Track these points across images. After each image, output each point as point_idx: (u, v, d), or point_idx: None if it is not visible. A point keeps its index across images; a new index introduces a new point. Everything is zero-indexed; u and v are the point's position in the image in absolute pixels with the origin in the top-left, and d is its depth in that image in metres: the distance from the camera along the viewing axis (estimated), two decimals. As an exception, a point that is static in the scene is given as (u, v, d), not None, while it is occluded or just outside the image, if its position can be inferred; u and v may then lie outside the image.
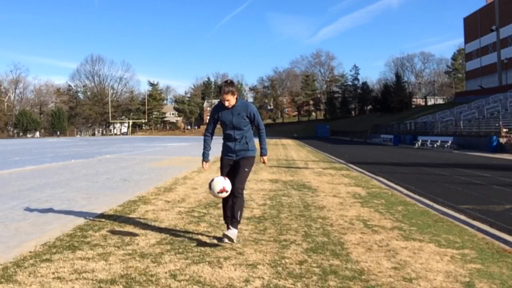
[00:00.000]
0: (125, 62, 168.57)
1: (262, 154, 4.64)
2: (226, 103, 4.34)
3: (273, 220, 5.53)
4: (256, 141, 4.44)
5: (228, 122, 4.40)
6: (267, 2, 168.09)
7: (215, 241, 4.46)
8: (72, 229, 4.98)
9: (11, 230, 5.01)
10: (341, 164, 15.47)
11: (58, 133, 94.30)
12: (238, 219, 4.33)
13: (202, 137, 4.81)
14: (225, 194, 4.21)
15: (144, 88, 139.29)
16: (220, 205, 6.50)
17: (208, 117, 4.67)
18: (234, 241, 4.25)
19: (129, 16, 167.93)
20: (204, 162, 4.63)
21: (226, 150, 4.49)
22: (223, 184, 4.18)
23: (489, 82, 57.51)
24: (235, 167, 4.42)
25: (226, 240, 4.27)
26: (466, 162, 17.13)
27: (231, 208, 4.33)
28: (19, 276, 3.39)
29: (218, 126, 4.59)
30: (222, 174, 4.44)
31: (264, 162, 4.72)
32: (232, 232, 4.25)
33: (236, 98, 4.39)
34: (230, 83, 4.41)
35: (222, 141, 4.55)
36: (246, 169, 4.41)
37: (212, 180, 4.25)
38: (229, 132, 4.43)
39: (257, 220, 5.52)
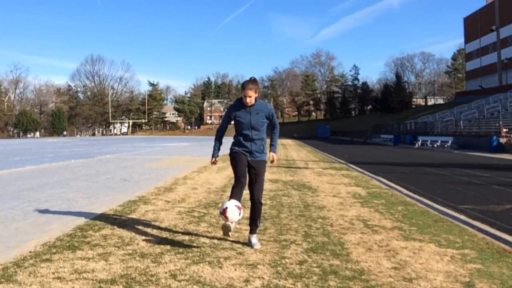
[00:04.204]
0: (125, 62, 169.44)
1: (272, 150, 4.45)
2: (248, 100, 4.20)
3: (273, 220, 5.53)
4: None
5: (246, 122, 4.26)
6: (268, 3, 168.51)
7: (215, 241, 4.47)
8: (72, 229, 4.98)
9: (11, 230, 5.01)
10: (341, 164, 15.46)
11: (65, 133, 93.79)
12: (258, 224, 4.38)
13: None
14: (227, 218, 3.95)
15: (144, 88, 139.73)
16: (221, 205, 6.51)
17: (223, 115, 4.55)
18: (259, 246, 4.25)
19: (129, 16, 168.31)
20: (212, 158, 4.52)
21: (240, 147, 4.33)
22: (227, 206, 3.96)
23: (489, 82, 57.49)
24: (250, 171, 4.30)
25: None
26: (466, 162, 17.13)
27: (251, 214, 4.34)
28: (19, 276, 3.39)
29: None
30: (238, 172, 4.22)
31: (272, 161, 4.45)
32: (254, 241, 4.30)
33: (256, 98, 4.28)
34: (254, 80, 4.29)
35: (230, 144, 4.44)
36: (263, 178, 4.36)
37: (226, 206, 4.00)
38: (246, 132, 4.28)
39: (257, 220, 5.51)
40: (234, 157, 4.33)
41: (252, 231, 4.35)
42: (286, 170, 12.55)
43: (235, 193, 4.14)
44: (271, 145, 4.49)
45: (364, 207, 6.54)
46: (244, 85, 4.22)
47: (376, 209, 6.33)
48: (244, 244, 4.34)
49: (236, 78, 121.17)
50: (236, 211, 3.96)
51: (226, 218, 3.95)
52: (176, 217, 5.72)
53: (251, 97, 4.21)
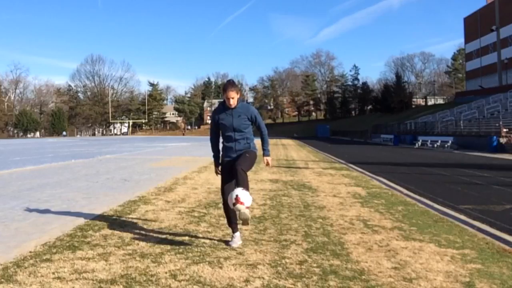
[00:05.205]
0: (125, 62, 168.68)
1: (265, 155, 4.47)
2: (231, 101, 4.23)
3: (273, 220, 5.53)
4: (258, 141, 4.41)
5: (229, 125, 4.30)
6: (268, 3, 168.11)
7: (215, 241, 4.46)
8: (72, 229, 4.98)
9: (11, 230, 5.01)
10: (341, 164, 15.46)
11: (64, 133, 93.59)
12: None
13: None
14: (241, 207, 3.85)
15: (144, 88, 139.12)
16: (221, 205, 6.52)
17: (210, 123, 4.57)
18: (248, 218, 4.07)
19: (129, 16, 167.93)
20: (216, 167, 4.50)
21: (226, 152, 4.39)
22: (243, 196, 3.89)
23: (489, 82, 57.46)
24: (235, 159, 4.28)
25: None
26: (466, 162, 17.13)
27: (235, 183, 4.15)
28: (19, 276, 3.39)
29: None
30: (223, 179, 4.35)
31: (267, 164, 4.48)
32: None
33: (238, 100, 4.31)
34: (233, 82, 4.37)
35: (222, 144, 4.46)
36: (247, 155, 4.27)
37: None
38: (229, 134, 4.33)
39: (257, 220, 5.51)
40: (222, 168, 4.40)
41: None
42: (286, 170, 12.55)
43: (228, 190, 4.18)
44: (263, 149, 4.49)
45: (364, 207, 6.54)
46: (226, 88, 4.25)
47: (376, 209, 6.33)
48: (244, 244, 4.34)
49: (236, 78, 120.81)
50: (245, 193, 3.90)
51: (242, 203, 3.85)
52: (176, 217, 5.73)
53: (234, 98, 4.24)
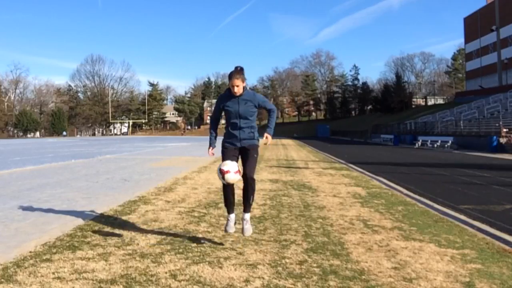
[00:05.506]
0: (125, 62, 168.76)
1: (267, 132, 4.44)
2: (236, 89, 4.22)
3: (273, 220, 5.53)
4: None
5: (234, 111, 4.28)
6: (269, 3, 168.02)
7: (215, 241, 4.46)
8: (72, 229, 4.98)
9: (11, 230, 5.01)
10: (341, 164, 15.46)
11: (64, 133, 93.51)
12: (251, 202, 4.31)
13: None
14: (229, 176, 4.04)
15: (144, 88, 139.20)
16: (221, 205, 6.52)
17: (214, 107, 4.60)
18: (250, 232, 4.31)
19: (129, 16, 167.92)
20: (210, 148, 4.52)
21: (229, 138, 4.35)
22: (225, 166, 4.07)
23: (489, 82, 57.46)
24: (241, 154, 4.32)
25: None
26: (466, 162, 17.13)
27: (244, 192, 4.29)
28: (19, 276, 3.39)
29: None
30: (225, 159, 4.32)
31: (266, 142, 4.43)
32: (246, 217, 4.28)
33: (244, 87, 4.29)
34: (239, 70, 4.30)
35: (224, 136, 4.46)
36: (255, 155, 4.31)
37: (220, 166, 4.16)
38: (234, 121, 4.31)
39: (257, 220, 5.51)
40: (224, 152, 4.38)
41: (245, 209, 4.31)
42: (286, 170, 12.55)
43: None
44: (266, 127, 4.48)
45: (364, 207, 6.54)
46: (231, 76, 4.25)
47: (376, 209, 6.33)
48: (244, 244, 4.34)
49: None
50: (226, 163, 4.11)
51: (228, 172, 4.04)
52: (176, 217, 5.73)
53: (239, 86, 4.24)
